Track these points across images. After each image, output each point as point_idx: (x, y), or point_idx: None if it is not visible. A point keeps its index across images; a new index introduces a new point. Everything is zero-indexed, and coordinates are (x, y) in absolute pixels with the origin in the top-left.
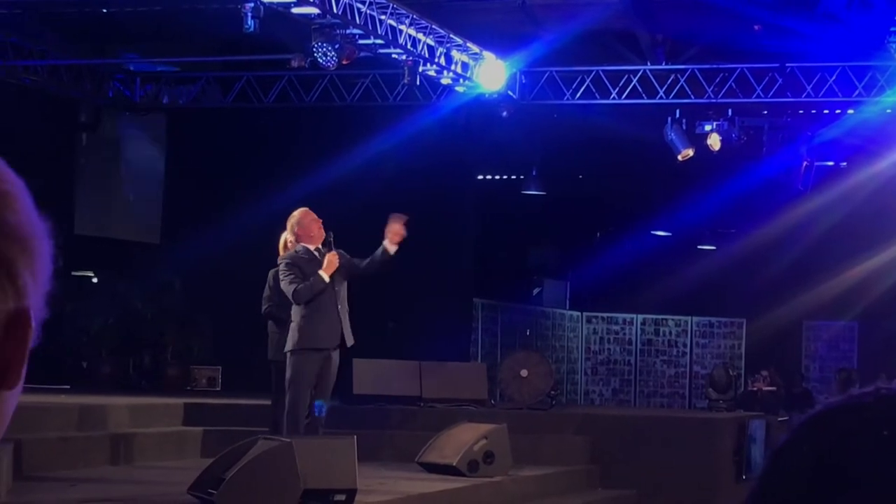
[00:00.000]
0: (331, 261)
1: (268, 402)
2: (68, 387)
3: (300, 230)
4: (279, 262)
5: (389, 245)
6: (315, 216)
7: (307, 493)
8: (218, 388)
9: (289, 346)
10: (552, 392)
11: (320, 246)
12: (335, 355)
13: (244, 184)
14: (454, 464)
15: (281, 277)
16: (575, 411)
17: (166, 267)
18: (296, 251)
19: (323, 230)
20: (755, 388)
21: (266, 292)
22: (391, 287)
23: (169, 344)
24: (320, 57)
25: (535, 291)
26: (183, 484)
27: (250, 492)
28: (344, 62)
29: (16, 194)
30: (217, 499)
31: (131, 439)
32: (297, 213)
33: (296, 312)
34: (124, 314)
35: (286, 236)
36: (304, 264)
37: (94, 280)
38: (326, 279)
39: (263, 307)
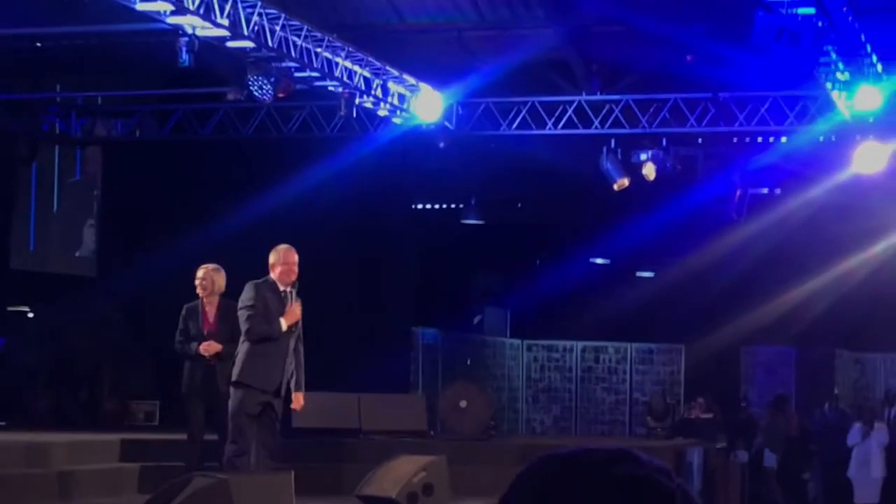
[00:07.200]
0: (293, 311)
1: (211, 438)
2: (3, 423)
3: (283, 266)
4: (247, 286)
5: (295, 404)
6: (296, 257)
7: None
8: (156, 423)
9: (233, 376)
10: (491, 423)
11: (288, 289)
12: (277, 404)
13: (181, 216)
14: (394, 496)
15: (242, 304)
16: (515, 441)
17: (103, 300)
18: (266, 281)
19: (297, 272)
20: (692, 416)
21: (181, 325)
22: (329, 318)
23: (106, 378)
24: (256, 90)
25: (476, 320)
26: None
27: None
28: (280, 95)
29: None
30: None
31: (68, 477)
32: (281, 249)
33: (243, 345)
34: (60, 349)
35: (219, 279)
36: (270, 300)
37: (30, 315)
38: (283, 329)
39: (178, 344)
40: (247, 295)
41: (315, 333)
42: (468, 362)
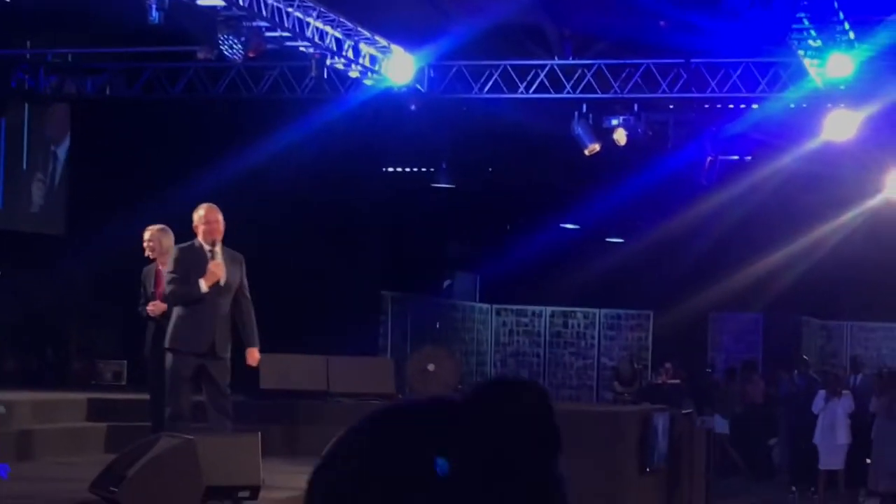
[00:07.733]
0: (212, 271)
1: None
2: None
3: (205, 225)
4: (171, 251)
5: (249, 360)
6: (219, 215)
7: (210, 490)
8: (123, 383)
9: (165, 343)
10: (459, 386)
11: (213, 247)
12: (213, 365)
13: (149, 175)
14: None
15: (167, 270)
16: None
17: (71, 259)
18: (192, 244)
19: (222, 230)
20: (659, 381)
21: (142, 288)
22: (299, 280)
23: (73, 338)
24: (226, 50)
25: (446, 284)
26: (85, 481)
27: (152, 489)
28: (251, 55)
29: None
30: (119, 496)
31: (34, 435)
32: (202, 208)
33: (173, 311)
34: (28, 308)
35: (165, 240)
36: (192, 263)
37: None
38: (204, 289)
39: (141, 307)
40: (170, 260)
41: (284, 296)
42: (437, 326)
